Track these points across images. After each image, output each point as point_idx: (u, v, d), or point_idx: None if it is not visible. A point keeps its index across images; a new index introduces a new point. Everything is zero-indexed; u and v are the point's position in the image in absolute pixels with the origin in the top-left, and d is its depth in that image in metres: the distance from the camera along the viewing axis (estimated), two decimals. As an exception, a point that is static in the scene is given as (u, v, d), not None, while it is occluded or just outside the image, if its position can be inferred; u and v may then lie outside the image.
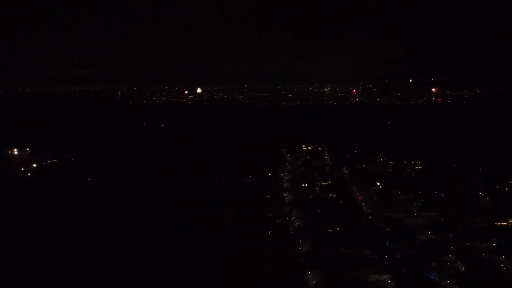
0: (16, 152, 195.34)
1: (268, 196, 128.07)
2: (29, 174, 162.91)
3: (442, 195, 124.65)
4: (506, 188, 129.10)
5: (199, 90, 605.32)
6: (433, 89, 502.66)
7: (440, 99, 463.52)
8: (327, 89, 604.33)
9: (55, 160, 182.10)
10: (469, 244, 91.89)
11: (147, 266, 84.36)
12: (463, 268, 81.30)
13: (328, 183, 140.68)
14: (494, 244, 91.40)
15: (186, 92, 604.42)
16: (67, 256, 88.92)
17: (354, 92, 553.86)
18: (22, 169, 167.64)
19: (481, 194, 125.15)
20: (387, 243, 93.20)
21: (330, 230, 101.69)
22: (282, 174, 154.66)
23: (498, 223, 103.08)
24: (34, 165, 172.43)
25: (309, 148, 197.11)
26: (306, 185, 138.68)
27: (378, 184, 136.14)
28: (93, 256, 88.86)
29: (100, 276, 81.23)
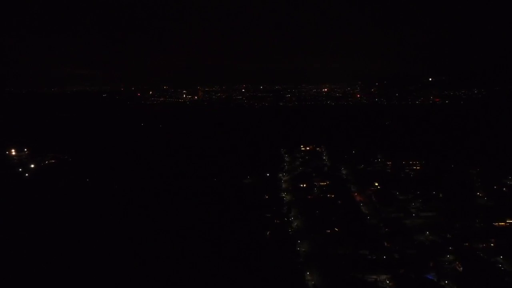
0: (14, 153, 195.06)
1: (267, 197, 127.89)
2: (27, 174, 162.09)
3: (441, 195, 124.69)
4: (504, 188, 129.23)
5: (197, 91, 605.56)
6: (432, 90, 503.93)
7: (438, 99, 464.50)
8: (325, 89, 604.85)
9: (53, 161, 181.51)
10: (467, 244, 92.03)
11: (145, 267, 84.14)
12: (461, 268, 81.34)
13: (327, 183, 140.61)
14: (492, 244, 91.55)
15: (184, 92, 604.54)
16: (64, 257, 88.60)
17: (352, 93, 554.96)
18: (20, 169, 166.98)
19: (479, 195, 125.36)
20: (386, 244, 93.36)
21: (329, 231, 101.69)
22: (280, 174, 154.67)
23: (496, 224, 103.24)
24: (32, 166, 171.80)
25: (308, 148, 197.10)
26: (305, 185, 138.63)
27: (377, 184, 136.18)
28: (91, 257, 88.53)
29: (99, 277, 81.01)
